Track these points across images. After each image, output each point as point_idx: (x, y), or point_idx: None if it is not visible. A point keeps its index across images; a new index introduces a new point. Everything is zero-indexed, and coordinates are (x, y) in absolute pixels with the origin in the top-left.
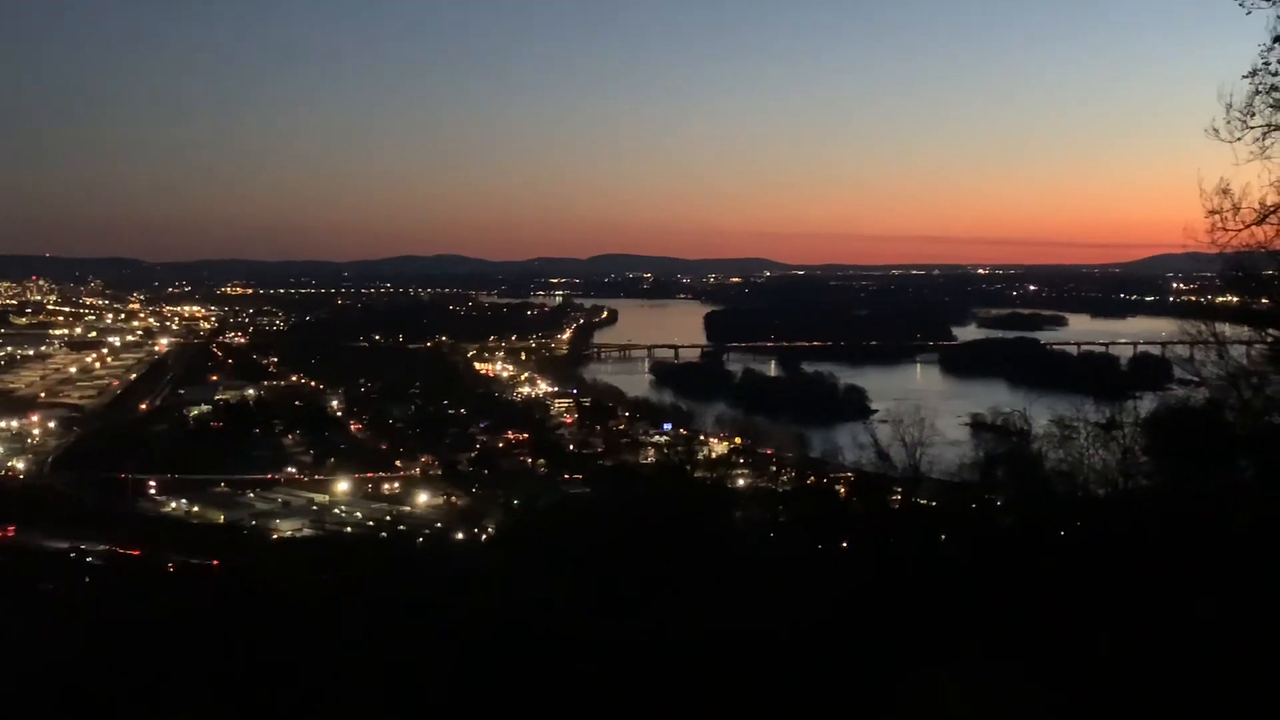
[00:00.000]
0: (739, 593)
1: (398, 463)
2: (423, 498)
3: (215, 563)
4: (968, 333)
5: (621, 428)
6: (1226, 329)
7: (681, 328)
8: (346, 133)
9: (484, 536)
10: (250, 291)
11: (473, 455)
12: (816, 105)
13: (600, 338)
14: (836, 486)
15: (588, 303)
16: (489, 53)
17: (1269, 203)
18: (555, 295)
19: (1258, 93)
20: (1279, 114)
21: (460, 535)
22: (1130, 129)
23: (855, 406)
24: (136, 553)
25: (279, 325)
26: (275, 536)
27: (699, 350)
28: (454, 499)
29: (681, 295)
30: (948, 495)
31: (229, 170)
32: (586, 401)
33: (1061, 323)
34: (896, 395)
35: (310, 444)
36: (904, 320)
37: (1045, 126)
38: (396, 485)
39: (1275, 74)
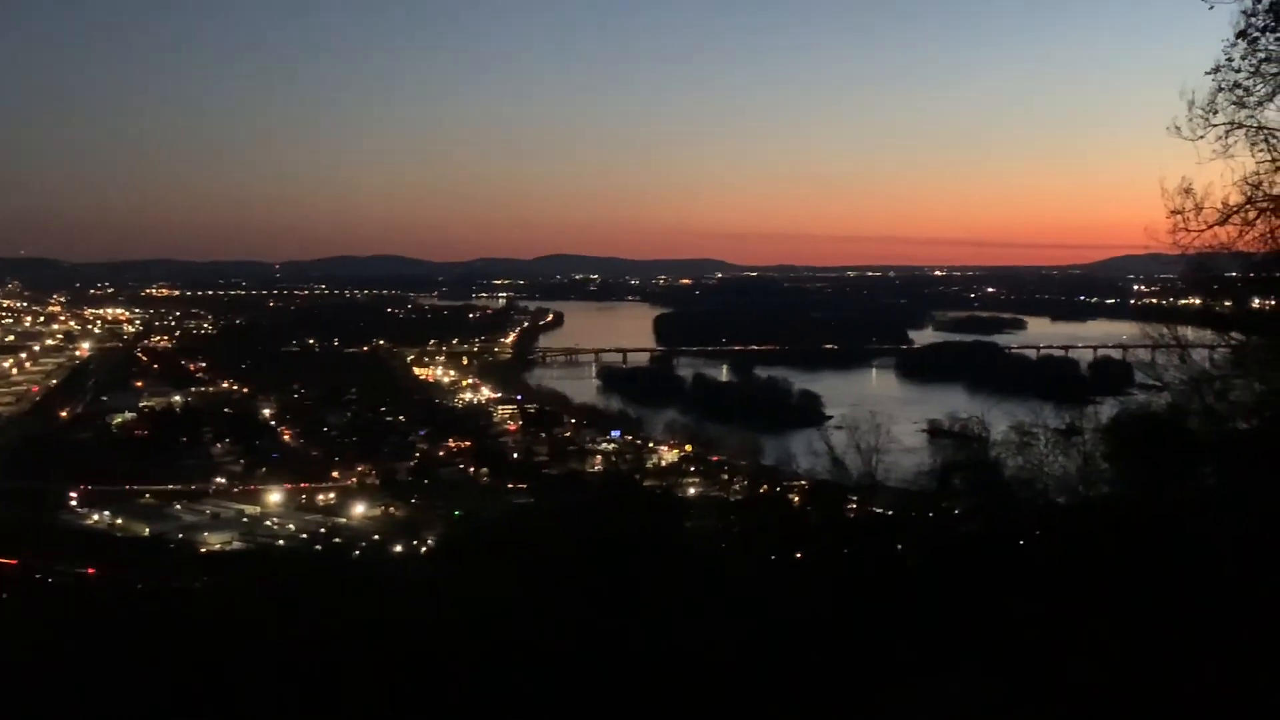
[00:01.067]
0: (691, 606)
1: (333, 473)
2: (359, 509)
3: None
4: (925, 336)
5: (568, 435)
6: (1189, 332)
7: (630, 331)
8: (279, 128)
9: (424, 549)
10: (177, 293)
11: (412, 464)
12: (770, 102)
13: (546, 341)
14: (790, 495)
15: (532, 305)
16: (427, 48)
17: (1232, 202)
18: (499, 297)
19: (1220, 89)
20: (1242, 111)
21: (399, 548)
22: (1091, 127)
23: (809, 412)
24: (58, 568)
25: (207, 329)
26: (203, 550)
27: (648, 354)
28: (392, 510)
29: (630, 297)
30: (904, 504)
31: (154, 167)
32: (531, 408)
33: (1020, 326)
34: (852, 400)
35: (241, 453)
36: (859, 323)
37: (1004, 125)
38: (332, 496)
39: (1238, 70)
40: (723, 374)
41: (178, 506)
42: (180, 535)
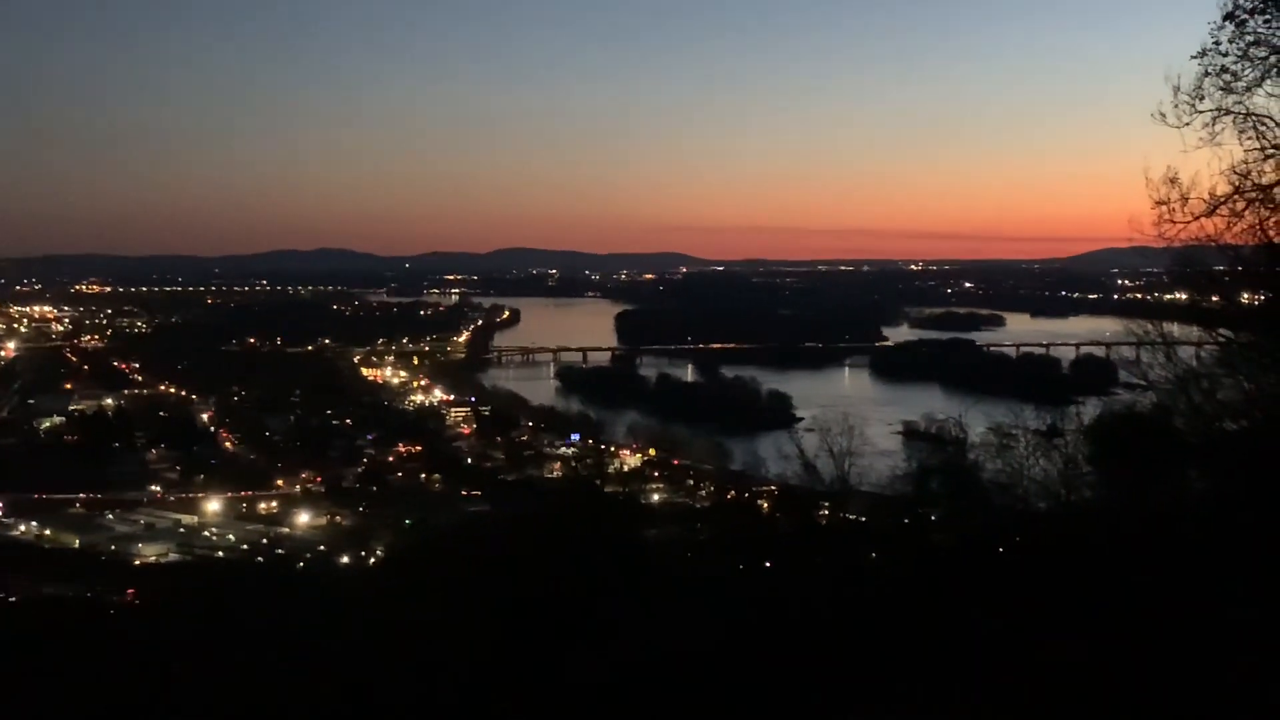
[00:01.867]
0: (654, 619)
1: (276, 480)
2: (304, 518)
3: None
4: (900, 334)
5: (525, 439)
6: (1175, 329)
7: (590, 329)
8: (217, 118)
9: (373, 560)
10: (109, 290)
11: (359, 470)
12: (738, 91)
13: (501, 340)
14: (759, 501)
15: (487, 302)
16: (375, 34)
17: (1219, 193)
18: (451, 294)
19: (1207, 74)
20: (1230, 97)
21: (346, 559)
22: (1073, 115)
23: (779, 414)
24: None
25: (141, 327)
26: (138, 562)
27: (609, 354)
28: (339, 519)
29: (590, 293)
30: (879, 510)
31: (84, 157)
32: (486, 410)
33: (999, 322)
34: (823, 401)
35: (177, 459)
36: (831, 321)
37: (983, 112)
38: (274, 504)
39: (1226, 54)
40: (688, 374)
41: (110, 516)
42: (112, 546)
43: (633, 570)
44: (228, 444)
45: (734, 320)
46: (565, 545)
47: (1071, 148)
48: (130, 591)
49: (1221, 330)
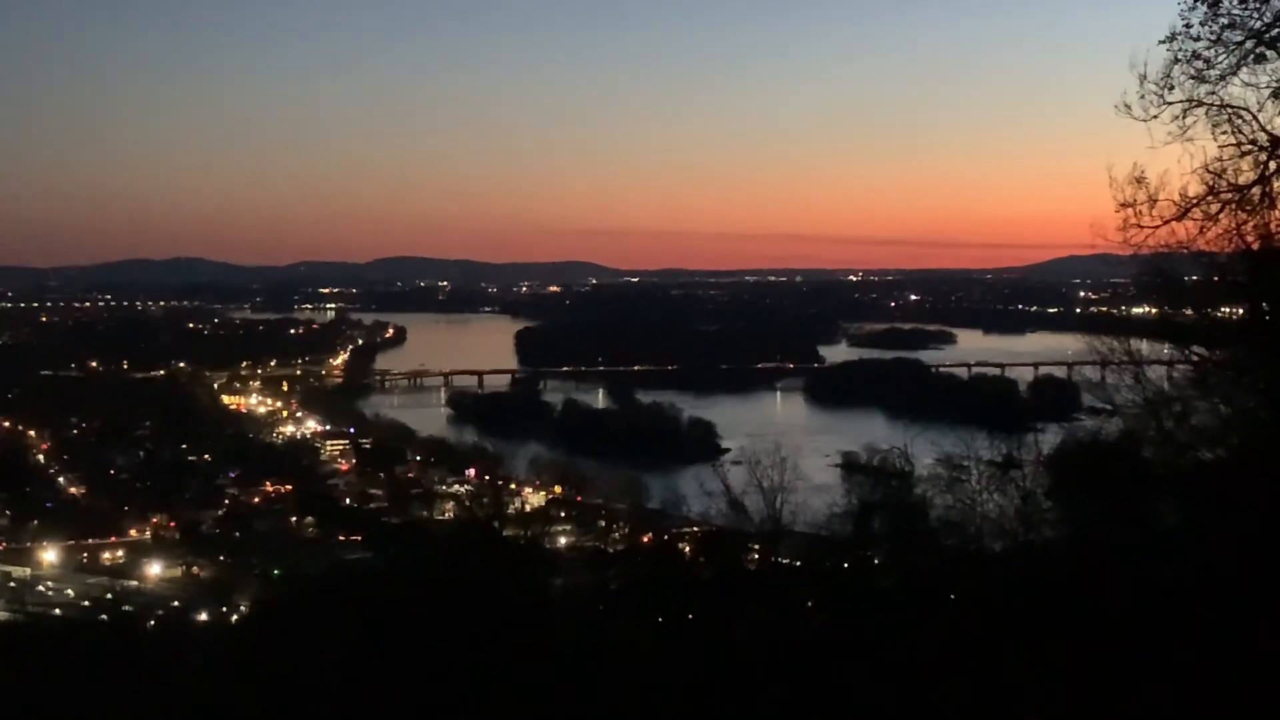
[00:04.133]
0: (559, 679)
1: (124, 526)
2: (155, 569)
3: None
4: (838, 353)
5: (412, 476)
6: (1144, 346)
7: (487, 349)
8: (49, 107)
9: (236, 617)
10: None
11: (220, 513)
12: (652, 78)
13: (385, 362)
14: (680, 544)
15: (368, 318)
16: (238, 13)
17: (1191, 193)
18: (326, 309)
19: (1177, 61)
20: (1202, 87)
21: (205, 615)
22: (1029, 105)
23: (702, 445)
24: None
25: None
26: None
27: (509, 377)
28: (196, 570)
29: (487, 308)
30: (815, 552)
31: None
32: (367, 443)
33: (948, 339)
34: (752, 430)
35: (6, 503)
36: (761, 338)
37: (928, 103)
38: (121, 554)
39: (1198, 38)
40: (599, 399)
41: None
42: None
43: (537, 625)
44: (66, 484)
45: (651, 338)
46: (458, 597)
47: (1028, 143)
48: None
49: (1195, 347)
